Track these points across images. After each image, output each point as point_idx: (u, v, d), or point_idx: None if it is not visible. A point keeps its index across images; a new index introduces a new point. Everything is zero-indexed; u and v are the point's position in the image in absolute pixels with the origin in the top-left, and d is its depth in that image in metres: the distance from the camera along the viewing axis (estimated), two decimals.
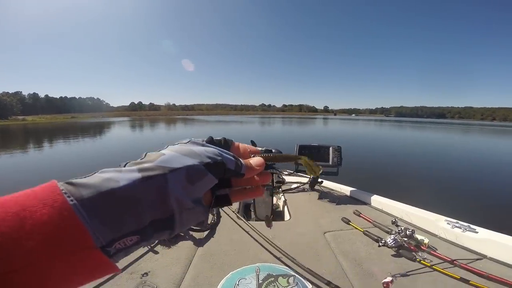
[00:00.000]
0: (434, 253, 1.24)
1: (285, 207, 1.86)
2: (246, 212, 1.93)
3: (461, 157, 12.13)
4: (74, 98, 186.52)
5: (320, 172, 0.41)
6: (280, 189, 2.07)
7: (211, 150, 0.28)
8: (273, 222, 1.51)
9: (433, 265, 1.13)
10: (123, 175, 0.22)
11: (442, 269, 1.11)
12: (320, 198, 1.98)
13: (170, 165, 0.24)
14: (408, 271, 1.10)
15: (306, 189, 2.13)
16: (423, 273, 1.11)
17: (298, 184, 2.21)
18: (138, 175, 0.22)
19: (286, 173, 2.48)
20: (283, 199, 1.98)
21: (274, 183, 1.86)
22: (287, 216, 1.73)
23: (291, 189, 2.15)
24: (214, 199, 0.32)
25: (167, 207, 0.23)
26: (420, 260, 1.17)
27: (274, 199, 1.81)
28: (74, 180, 0.21)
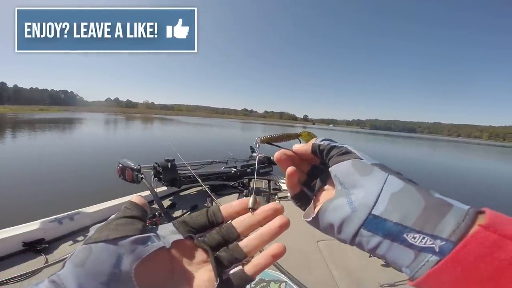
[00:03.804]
0: None
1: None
2: None
3: (437, 172, 12.70)
4: (46, 90, 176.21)
5: None
6: (276, 196, 2.08)
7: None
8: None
9: None
10: None
11: None
12: None
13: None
14: (397, 282, 1.14)
15: None
16: None
17: None
18: None
19: (283, 181, 2.44)
20: None
21: (271, 190, 1.90)
22: None
23: (287, 197, 2.13)
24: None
25: None
26: None
27: None
28: None
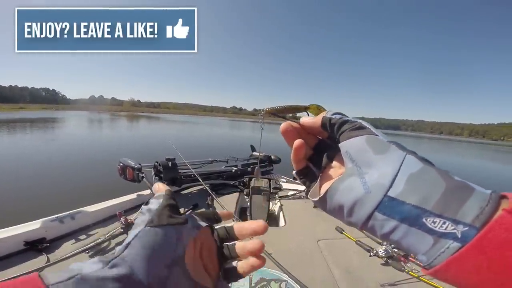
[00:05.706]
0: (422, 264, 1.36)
1: (281, 213, 1.87)
2: (242, 215, 1.93)
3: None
4: (26, 87, 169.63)
5: None
6: (276, 195, 2.09)
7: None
8: (268, 227, 1.60)
9: (420, 276, 1.17)
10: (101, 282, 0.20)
11: (428, 280, 1.14)
12: (315, 206, 1.99)
13: (136, 270, 0.22)
14: (396, 281, 1.14)
15: (302, 197, 2.14)
16: (410, 283, 1.14)
17: (295, 192, 2.22)
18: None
19: (284, 180, 2.48)
20: (279, 205, 1.97)
21: (271, 189, 1.90)
22: (282, 222, 1.75)
23: (287, 196, 2.15)
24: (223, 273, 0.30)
25: None
26: (408, 271, 1.21)
27: (270, 204, 1.83)
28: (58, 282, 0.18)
